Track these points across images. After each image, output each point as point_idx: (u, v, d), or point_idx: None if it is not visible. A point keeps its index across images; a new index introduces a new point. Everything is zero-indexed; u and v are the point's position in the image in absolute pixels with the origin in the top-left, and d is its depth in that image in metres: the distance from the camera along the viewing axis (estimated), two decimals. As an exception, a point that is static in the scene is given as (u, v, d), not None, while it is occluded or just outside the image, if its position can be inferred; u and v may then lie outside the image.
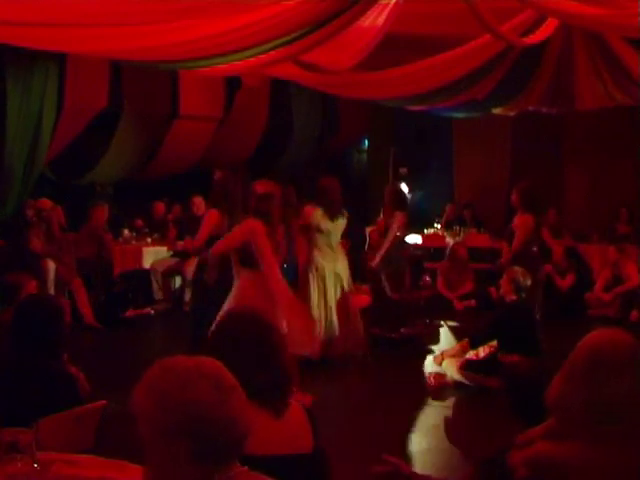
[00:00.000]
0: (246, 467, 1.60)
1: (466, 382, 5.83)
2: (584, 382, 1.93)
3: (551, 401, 2.08)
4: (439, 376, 5.95)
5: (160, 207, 9.80)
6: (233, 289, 5.35)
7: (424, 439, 4.85)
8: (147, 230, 9.54)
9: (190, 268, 8.78)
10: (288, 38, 5.59)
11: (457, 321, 8.31)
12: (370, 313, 7.39)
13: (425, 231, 10.88)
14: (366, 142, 13.26)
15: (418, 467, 4.09)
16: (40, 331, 3.10)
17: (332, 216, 6.43)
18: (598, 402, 1.90)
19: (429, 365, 6.29)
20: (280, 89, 10.50)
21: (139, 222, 9.77)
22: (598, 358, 1.94)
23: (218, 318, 2.43)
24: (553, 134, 11.33)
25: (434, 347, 7.07)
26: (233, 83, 9.98)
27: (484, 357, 5.97)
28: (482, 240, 10.25)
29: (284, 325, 4.90)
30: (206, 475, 1.52)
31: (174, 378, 1.53)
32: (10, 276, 4.81)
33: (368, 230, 9.86)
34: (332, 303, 6.39)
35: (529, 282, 6.01)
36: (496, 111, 9.81)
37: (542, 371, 5.12)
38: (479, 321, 7.27)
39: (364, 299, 7.58)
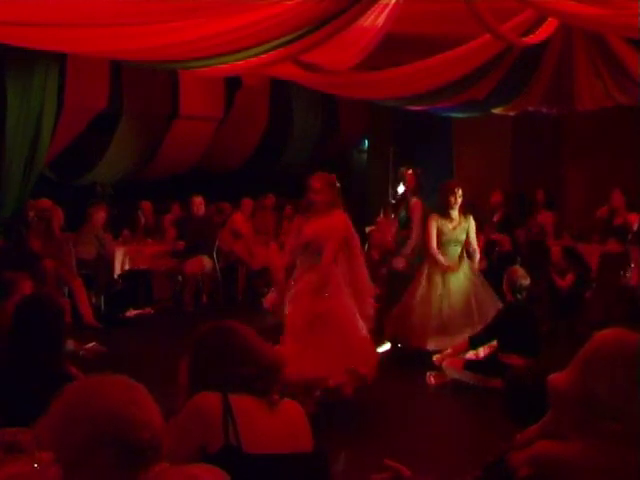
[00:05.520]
0: (167, 463, 1.64)
1: (466, 382, 5.84)
2: (586, 376, 1.94)
3: (554, 396, 2.08)
4: (439, 376, 5.96)
5: (147, 206, 9.79)
6: None
7: (424, 439, 4.84)
8: (133, 231, 9.50)
9: (190, 267, 8.83)
10: (288, 38, 5.59)
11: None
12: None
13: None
14: (366, 142, 13.25)
15: (418, 468, 4.08)
16: (40, 331, 3.10)
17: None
18: (598, 397, 1.90)
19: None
20: (280, 89, 10.49)
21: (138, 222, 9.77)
22: (602, 354, 1.95)
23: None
24: (553, 134, 11.32)
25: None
26: (233, 83, 9.97)
27: (484, 357, 5.98)
28: (482, 240, 10.22)
29: None
30: (131, 477, 1.56)
31: (81, 392, 1.64)
32: (6, 273, 4.76)
33: (368, 230, 9.84)
34: None
35: (527, 283, 5.99)
36: (496, 111, 9.80)
37: (539, 373, 5.13)
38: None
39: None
